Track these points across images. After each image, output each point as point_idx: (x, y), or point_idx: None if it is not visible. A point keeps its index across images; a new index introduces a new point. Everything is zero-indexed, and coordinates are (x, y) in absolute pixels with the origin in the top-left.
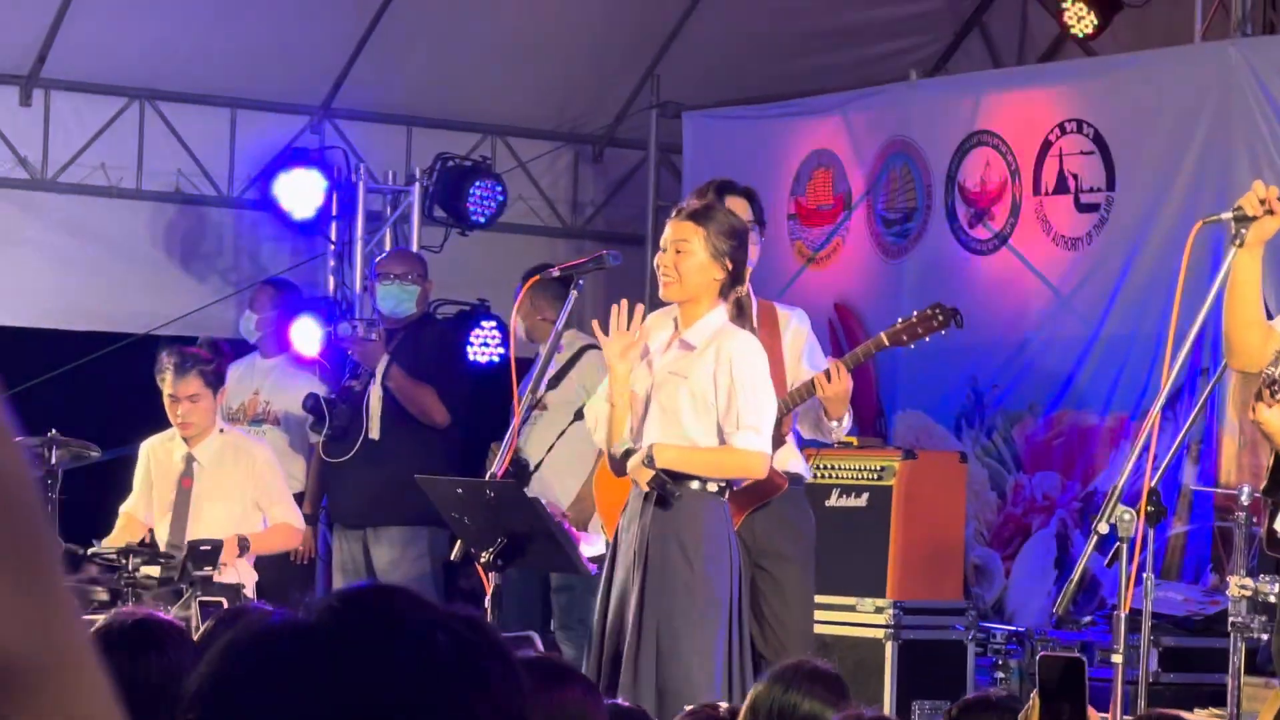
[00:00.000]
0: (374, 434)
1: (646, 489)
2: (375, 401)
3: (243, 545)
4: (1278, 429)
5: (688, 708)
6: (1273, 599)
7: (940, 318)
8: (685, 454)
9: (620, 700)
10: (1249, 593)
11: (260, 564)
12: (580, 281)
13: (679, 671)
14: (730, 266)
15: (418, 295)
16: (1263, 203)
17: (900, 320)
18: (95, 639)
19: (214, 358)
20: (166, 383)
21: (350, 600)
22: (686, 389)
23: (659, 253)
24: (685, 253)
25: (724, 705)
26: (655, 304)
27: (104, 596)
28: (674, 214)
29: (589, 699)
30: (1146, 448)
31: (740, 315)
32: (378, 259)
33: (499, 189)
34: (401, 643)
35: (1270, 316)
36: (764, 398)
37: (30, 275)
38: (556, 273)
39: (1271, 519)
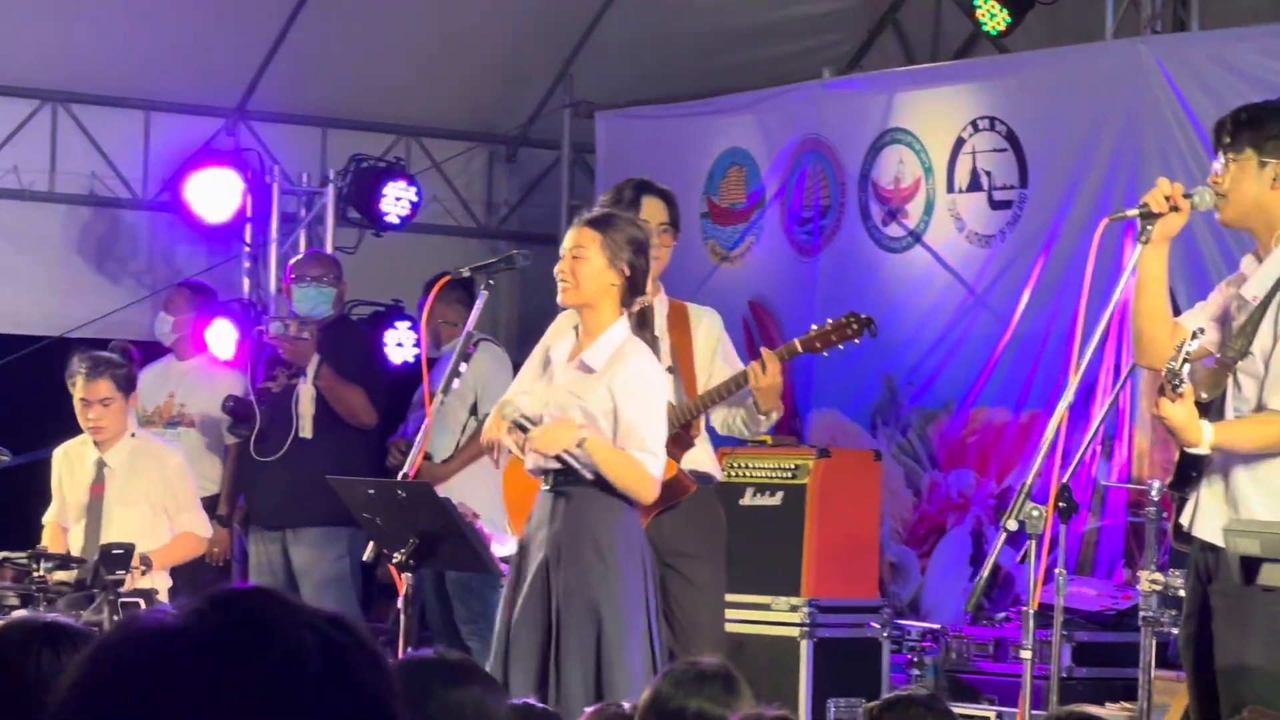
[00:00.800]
0: (305, 433)
1: (558, 455)
2: (306, 400)
3: (145, 562)
4: (1181, 424)
5: (589, 709)
6: (1182, 593)
7: (855, 326)
8: (611, 453)
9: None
10: (1160, 587)
11: (174, 568)
12: (490, 281)
13: (599, 672)
14: (628, 273)
15: (334, 297)
16: (1168, 199)
17: (814, 327)
18: None
19: (126, 362)
20: (78, 387)
21: (218, 602)
22: (581, 411)
23: (560, 260)
24: (582, 259)
25: (627, 704)
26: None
27: (15, 601)
28: (576, 220)
29: (487, 697)
30: (1055, 445)
31: (642, 326)
32: (293, 261)
33: (413, 190)
34: (268, 645)
35: (1177, 314)
36: (657, 423)
37: None
38: (466, 273)
39: (1178, 513)
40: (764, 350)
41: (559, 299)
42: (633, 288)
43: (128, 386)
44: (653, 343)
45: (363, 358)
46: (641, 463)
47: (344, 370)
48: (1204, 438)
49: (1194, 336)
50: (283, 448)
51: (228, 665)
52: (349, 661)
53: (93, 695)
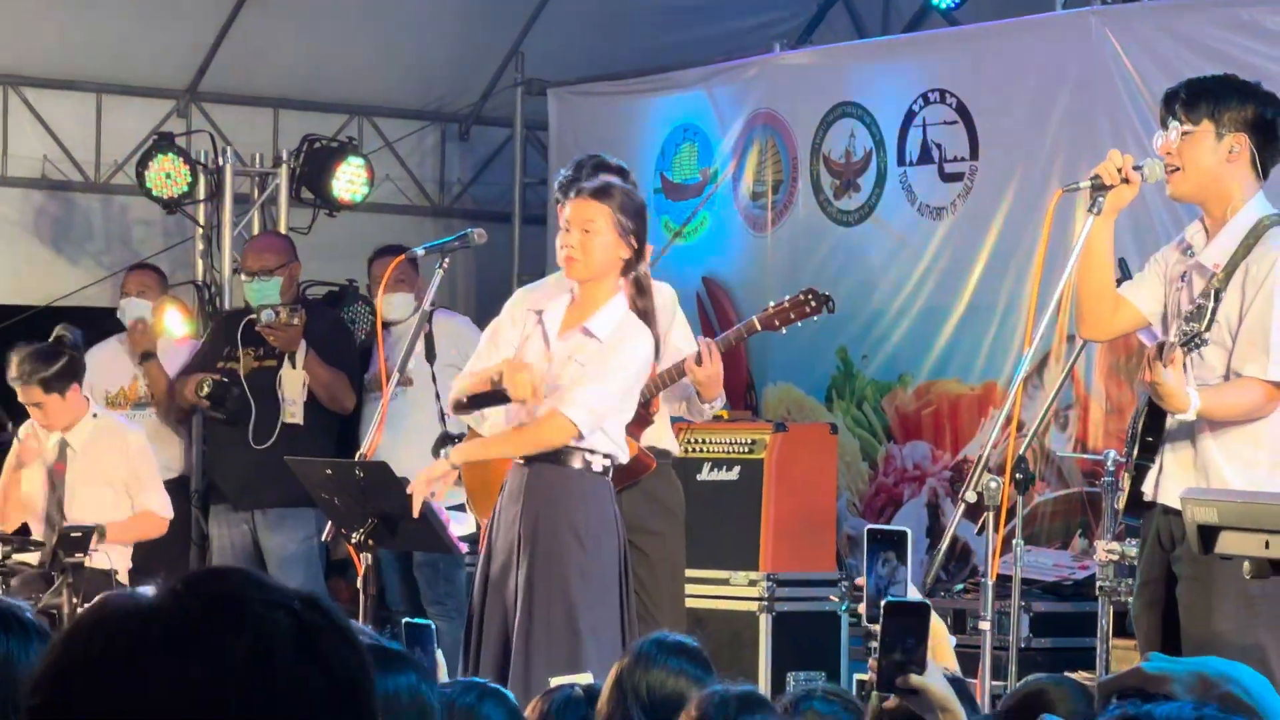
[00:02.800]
0: (295, 418)
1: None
2: (294, 387)
3: (99, 533)
4: (1172, 389)
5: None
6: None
7: (813, 303)
8: (480, 445)
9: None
10: (1116, 557)
11: (134, 549)
12: (446, 259)
13: (575, 651)
14: (636, 245)
15: (281, 284)
16: (1119, 171)
17: (772, 304)
18: None
19: (60, 355)
20: (18, 389)
21: (193, 583)
22: (580, 368)
23: (561, 232)
24: (593, 232)
25: (582, 681)
26: (523, 281)
27: None
28: (571, 192)
29: (423, 685)
30: (1009, 417)
31: (641, 294)
32: (241, 252)
33: (366, 168)
34: (242, 625)
35: (1129, 276)
36: (613, 385)
37: None
38: (422, 252)
39: (1135, 482)
40: (702, 341)
41: (566, 273)
42: (636, 260)
43: (62, 382)
44: (649, 310)
45: (339, 342)
46: (539, 416)
47: (323, 355)
48: (1191, 404)
49: (1191, 320)
50: (270, 435)
51: (202, 646)
52: (322, 641)
53: (67, 676)
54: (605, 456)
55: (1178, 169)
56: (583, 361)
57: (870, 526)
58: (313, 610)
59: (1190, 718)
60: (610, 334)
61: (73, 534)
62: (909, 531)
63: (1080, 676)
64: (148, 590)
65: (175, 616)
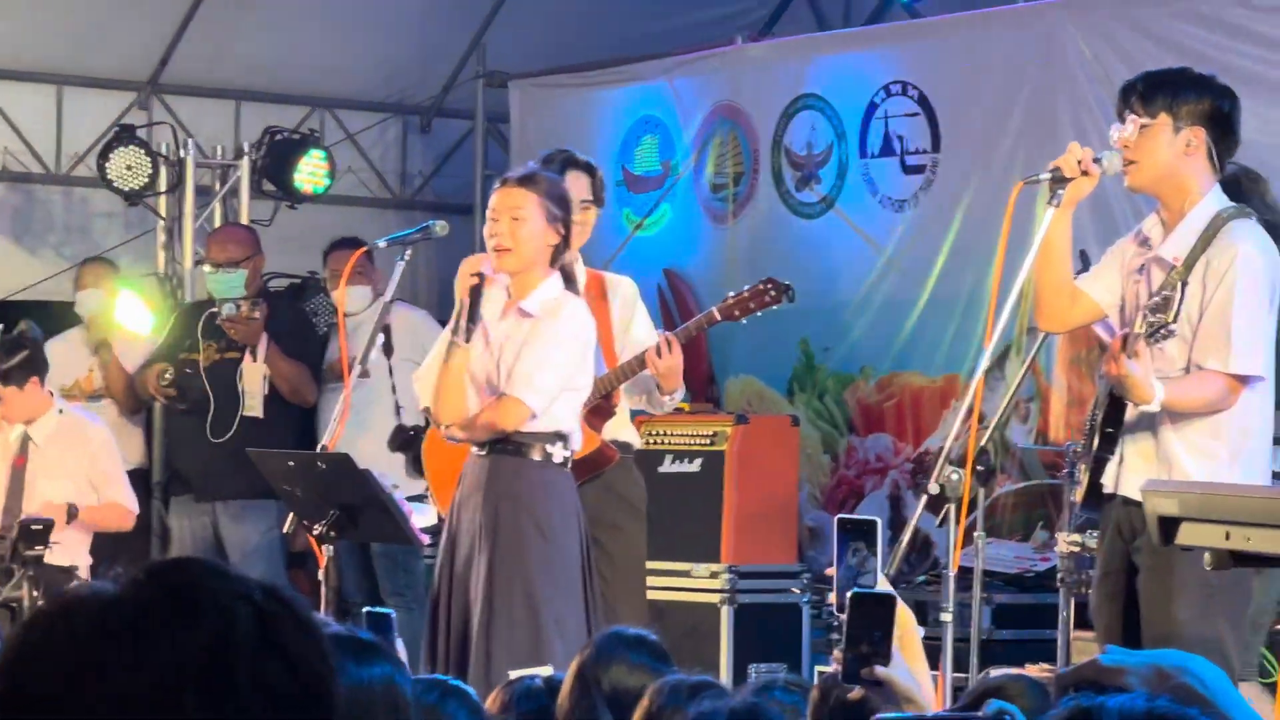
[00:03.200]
0: (255, 411)
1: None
2: (254, 379)
3: (71, 511)
4: (1138, 380)
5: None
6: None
7: (773, 292)
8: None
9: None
10: (1077, 549)
11: (96, 545)
12: (408, 251)
13: (532, 636)
14: (564, 231)
15: (246, 277)
16: (1079, 163)
17: (732, 295)
18: None
19: (18, 350)
20: None
21: (154, 573)
22: (515, 351)
23: (489, 223)
24: (521, 219)
25: (543, 673)
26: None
27: None
28: (499, 183)
29: (397, 676)
30: (971, 409)
31: (569, 283)
32: (204, 241)
33: (327, 161)
34: (202, 615)
35: (1089, 266)
36: (555, 357)
37: None
38: (384, 244)
39: (1094, 474)
40: (662, 334)
41: (495, 265)
42: (565, 245)
43: (22, 374)
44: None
45: (301, 335)
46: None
47: (285, 348)
48: (1155, 395)
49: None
50: (229, 428)
51: (162, 635)
52: (282, 630)
53: (28, 664)
54: (564, 446)
55: (1136, 162)
56: (520, 340)
57: (840, 516)
58: (273, 601)
59: (1143, 709)
60: (545, 309)
61: (33, 526)
62: (879, 521)
63: (1041, 668)
64: (108, 583)
65: (136, 606)
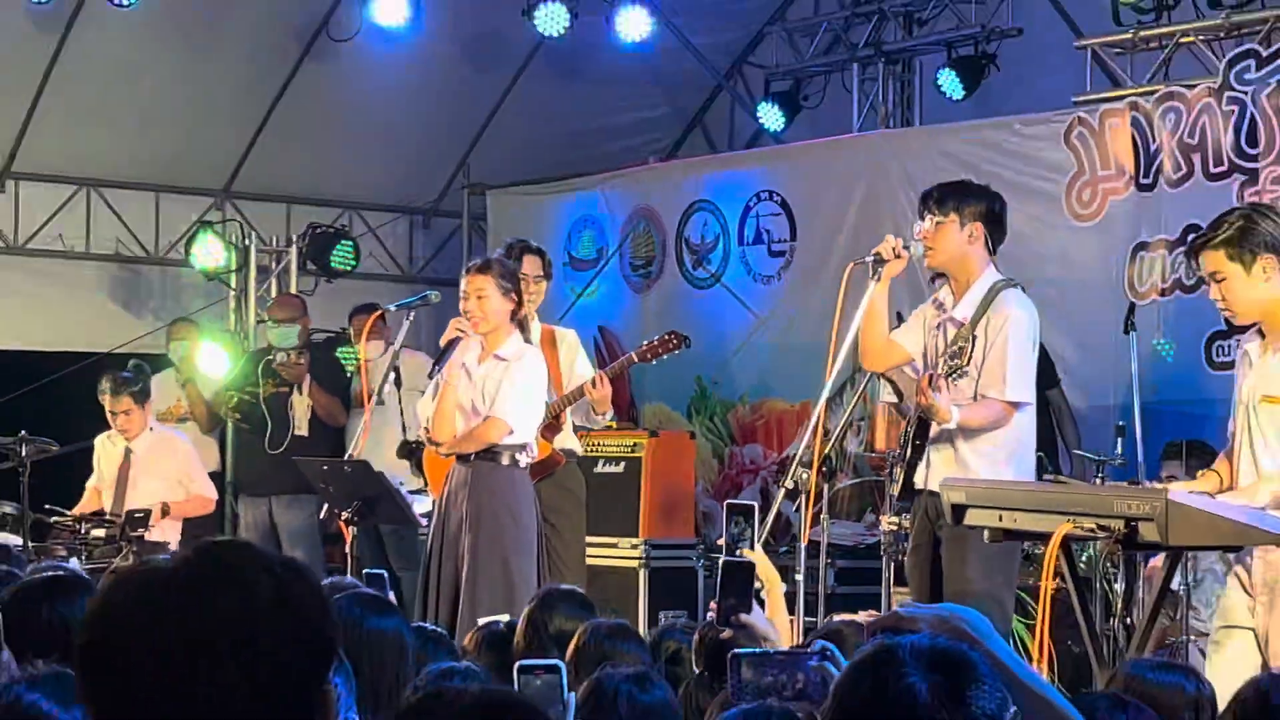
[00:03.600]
0: (301, 431)
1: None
2: (302, 409)
3: (164, 510)
4: (941, 407)
5: (481, 620)
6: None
7: (674, 342)
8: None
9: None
10: (895, 527)
11: (185, 525)
12: (412, 314)
13: (508, 594)
14: (516, 299)
15: (299, 331)
16: (894, 250)
17: (645, 343)
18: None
19: (141, 379)
20: (106, 401)
21: (200, 551)
22: (496, 387)
23: (462, 301)
24: (484, 297)
25: (504, 619)
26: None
27: (62, 553)
28: (465, 270)
29: (403, 627)
30: (817, 426)
31: (524, 332)
32: (267, 304)
33: (353, 248)
34: (231, 582)
35: (901, 323)
36: (522, 388)
37: (12, 316)
38: (394, 309)
39: (908, 474)
40: (597, 372)
41: (471, 329)
42: (519, 306)
43: (143, 397)
44: (531, 344)
45: (335, 376)
46: (487, 424)
47: (323, 385)
48: (953, 416)
49: (953, 358)
50: (282, 443)
51: (202, 598)
52: (293, 594)
53: (106, 620)
54: (526, 454)
55: (933, 249)
56: (498, 378)
57: (729, 501)
58: (289, 571)
59: (926, 644)
60: (514, 354)
61: (135, 514)
62: (755, 504)
63: (868, 615)
64: (165, 558)
65: (184, 576)
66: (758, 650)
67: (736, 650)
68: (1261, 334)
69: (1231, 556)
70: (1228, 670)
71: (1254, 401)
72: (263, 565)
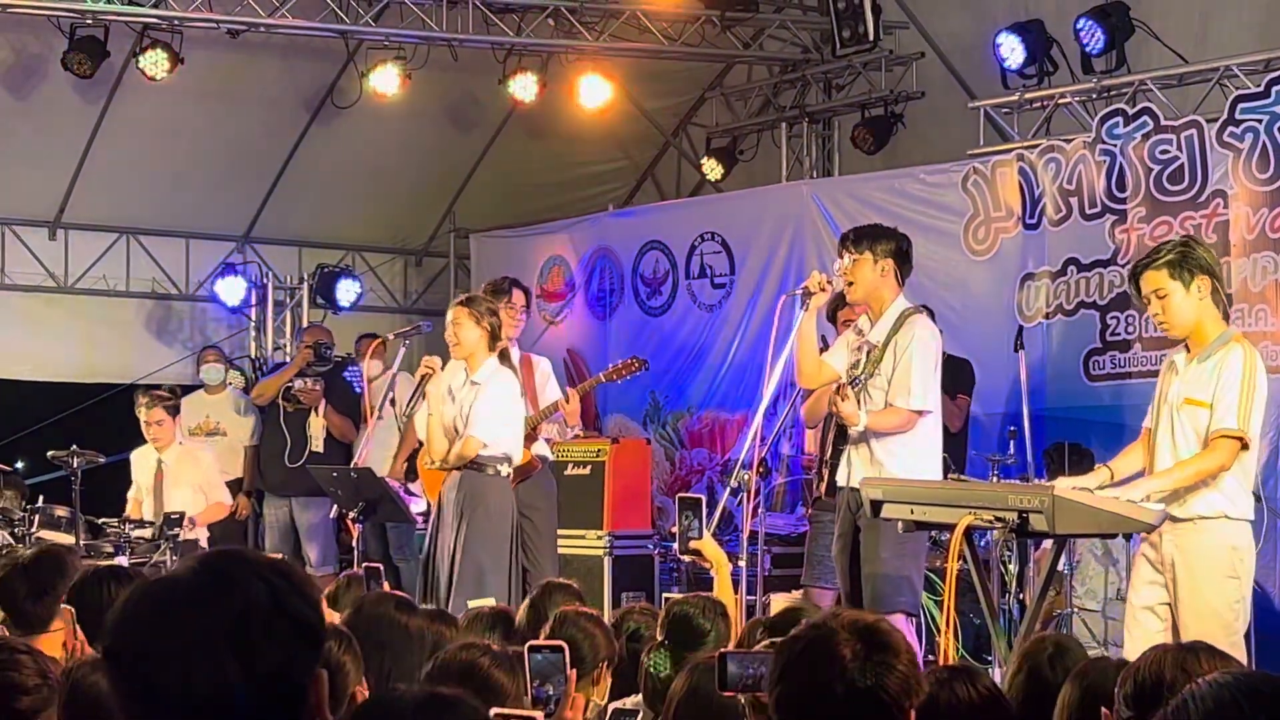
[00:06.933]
0: (318, 448)
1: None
2: (318, 428)
3: (191, 521)
4: (849, 413)
5: (470, 604)
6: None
7: (636, 365)
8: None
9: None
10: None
11: (211, 524)
12: (407, 341)
13: (486, 581)
14: (490, 328)
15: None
16: (819, 283)
17: (610, 366)
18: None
19: (173, 397)
20: (142, 414)
21: (202, 560)
22: (474, 408)
23: (446, 331)
24: (460, 326)
25: (489, 603)
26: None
27: (109, 550)
28: (451, 305)
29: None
30: (755, 433)
31: (503, 359)
32: (278, 339)
33: (357, 284)
34: (232, 589)
35: (828, 346)
36: (496, 407)
37: (60, 349)
38: (391, 337)
39: (832, 472)
40: (569, 389)
41: (452, 354)
42: (494, 337)
43: (174, 412)
44: (509, 366)
45: (346, 398)
46: (465, 442)
47: (335, 406)
48: (861, 421)
49: (851, 380)
50: (301, 458)
51: (203, 604)
52: (286, 599)
53: (125, 621)
54: (508, 465)
55: (852, 283)
56: (471, 400)
57: (680, 495)
58: (281, 577)
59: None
60: (486, 378)
61: (171, 517)
62: (704, 497)
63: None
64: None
65: (188, 584)
66: (742, 650)
67: (723, 651)
68: (1188, 348)
69: (1142, 537)
70: (1145, 647)
71: (1178, 403)
72: (256, 573)
